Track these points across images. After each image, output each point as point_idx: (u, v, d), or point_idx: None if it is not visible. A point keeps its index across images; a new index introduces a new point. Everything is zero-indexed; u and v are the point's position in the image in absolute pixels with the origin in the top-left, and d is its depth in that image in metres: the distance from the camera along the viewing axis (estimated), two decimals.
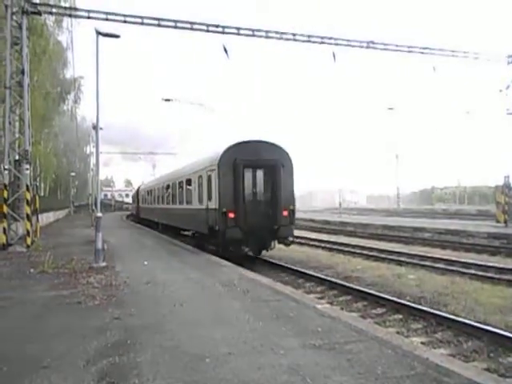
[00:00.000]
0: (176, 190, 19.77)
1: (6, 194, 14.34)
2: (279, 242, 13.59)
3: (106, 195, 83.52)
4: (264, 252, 14.16)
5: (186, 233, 18.82)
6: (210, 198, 13.84)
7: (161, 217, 24.20)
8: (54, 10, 17.28)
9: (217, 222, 13.00)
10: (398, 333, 6.54)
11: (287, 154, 13.86)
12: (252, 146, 13.43)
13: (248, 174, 13.16)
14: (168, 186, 21.91)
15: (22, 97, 15.01)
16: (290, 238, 13.64)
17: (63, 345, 4.85)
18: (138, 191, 37.15)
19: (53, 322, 5.86)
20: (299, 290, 9.80)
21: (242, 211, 12.74)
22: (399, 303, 8.20)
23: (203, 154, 17.17)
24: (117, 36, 11.75)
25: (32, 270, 10.06)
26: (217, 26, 17.00)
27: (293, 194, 13.85)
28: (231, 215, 12.73)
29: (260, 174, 13.37)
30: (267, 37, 17.66)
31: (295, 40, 17.96)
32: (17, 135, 15.48)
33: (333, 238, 20.57)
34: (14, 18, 14.77)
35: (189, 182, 17.16)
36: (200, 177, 15.20)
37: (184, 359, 4.32)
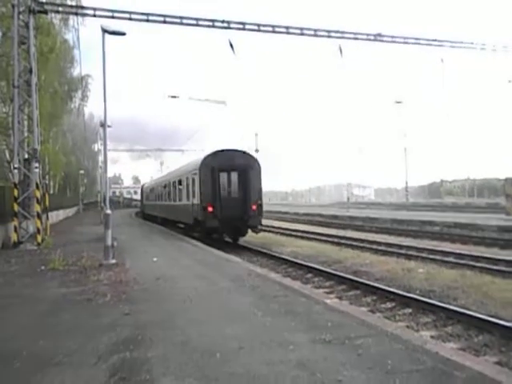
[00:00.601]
0: (170, 189, 23.37)
1: (16, 192, 14.49)
2: (251, 231, 16.75)
3: (114, 192, 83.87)
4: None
5: (181, 225, 21.75)
6: (194, 196, 17.31)
7: (160, 212, 27.62)
8: (60, 9, 17.38)
9: (199, 214, 16.43)
10: (407, 327, 6.51)
11: (255, 159, 17.35)
12: (226, 154, 16.81)
13: (223, 176, 16.33)
14: (165, 186, 25.47)
15: (30, 96, 15.11)
16: (259, 227, 16.91)
17: (74, 341, 4.91)
18: (142, 189, 40.90)
19: (64, 319, 5.92)
20: (308, 284, 9.82)
21: (218, 205, 15.86)
22: (408, 297, 8.17)
23: (190, 160, 21.27)
24: (123, 34, 11.75)
25: (43, 268, 10.16)
26: (222, 22, 16.96)
27: (260, 191, 16.86)
28: (210, 209, 15.89)
29: (233, 176, 16.46)
30: (273, 31, 17.57)
31: (302, 34, 17.86)
32: (26, 134, 15.59)
33: (341, 233, 20.52)
34: (21, 17, 14.85)
35: (180, 182, 20.53)
36: (187, 178, 18.68)
37: (194, 354, 4.35)
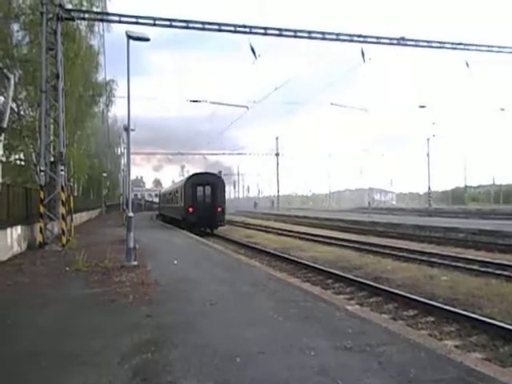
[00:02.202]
0: (172, 196, 32.00)
1: (42, 194, 14.86)
2: (218, 225, 24.71)
3: (136, 195, 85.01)
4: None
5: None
6: (182, 201, 26.08)
7: (167, 211, 36.26)
8: (86, 16, 17.76)
9: (184, 213, 24.84)
10: (430, 335, 6.39)
11: (221, 178, 27.57)
12: (202, 175, 26.48)
13: (200, 189, 24.84)
14: (170, 193, 34.82)
15: (57, 100, 15.50)
16: (223, 223, 24.86)
17: (98, 341, 5.00)
18: (159, 194, 52.22)
19: (88, 319, 6.04)
20: (328, 290, 9.74)
21: (195, 207, 24.07)
22: (431, 305, 8.02)
23: (181, 179, 35.39)
24: (147, 39, 11.93)
25: (67, 268, 10.38)
26: (244, 27, 17.08)
27: (224, 199, 25.62)
28: (190, 210, 24.20)
29: (206, 189, 24.87)
30: (295, 36, 17.60)
31: (324, 39, 17.83)
32: (52, 138, 15.99)
33: (362, 238, 20.30)
34: (49, 24, 15.27)
35: (176, 192, 29.55)
36: (179, 190, 27.90)
37: (215, 358, 4.37)
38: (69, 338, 5.16)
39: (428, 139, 54.35)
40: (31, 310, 6.65)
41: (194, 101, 33.70)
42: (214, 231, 24.87)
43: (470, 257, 13.55)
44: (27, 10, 17.59)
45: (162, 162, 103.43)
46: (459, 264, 12.39)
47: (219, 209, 24.30)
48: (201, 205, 24.20)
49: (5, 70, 16.16)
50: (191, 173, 29.45)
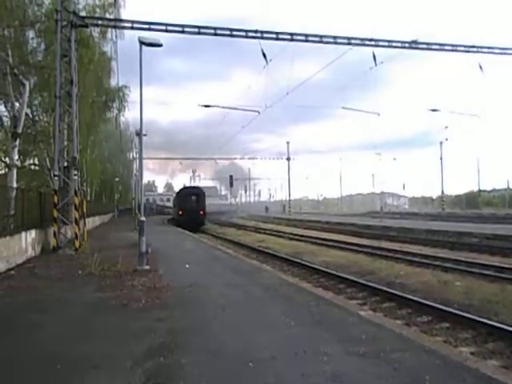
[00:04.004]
0: (175, 202, 41.97)
1: (55, 199, 15.04)
2: (200, 224, 33.54)
3: (147, 199, 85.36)
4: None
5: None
6: (176, 206, 38.57)
7: (172, 213, 48.56)
8: (99, 22, 17.98)
9: (177, 214, 36.37)
10: (445, 342, 6.29)
11: (202, 190, 37.75)
12: (189, 188, 41.07)
13: (188, 198, 34.82)
14: (169, 199, 58.99)
15: (71, 106, 15.70)
16: (204, 223, 34.98)
17: (111, 345, 5.03)
18: (168, 199, 68.24)
19: (101, 324, 6.08)
20: (340, 295, 9.67)
21: (184, 210, 33.64)
22: (446, 311, 7.90)
23: (176, 191, 54.30)
24: (159, 45, 12.03)
25: (80, 272, 10.46)
26: (255, 32, 17.14)
27: (204, 205, 35.30)
28: (180, 212, 34.17)
29: (192, 197, 34.76)
30: (306, 40, 17.61)
31: (335, 43, 17.78)
32: (65, 143, 16.18)
33: (374, 243, 20.13)
34: (64, 31, 15.49)
35: (174, 199, 45.30)
36: (175, 198, 43.11)
37: (228, 363, 4.37)
38: (82, 342, 5.19)
39: (441, 143, 53.81)
40: (45, 314, 6.71)
41: (205, 106, 33.84)
42: (200, 228, 33.02)
43: (485, 262, 13.33)
44: (42, 17, 17.85)
45: (175, 169, 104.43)
46: (474, 269, 12.19)
47: (201, 212, 34.35)
48: (188, 209, 33.88)
49: (20, 77, 16.41)
50: (182, 187, 46.38)
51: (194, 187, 41.84)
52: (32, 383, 4.09)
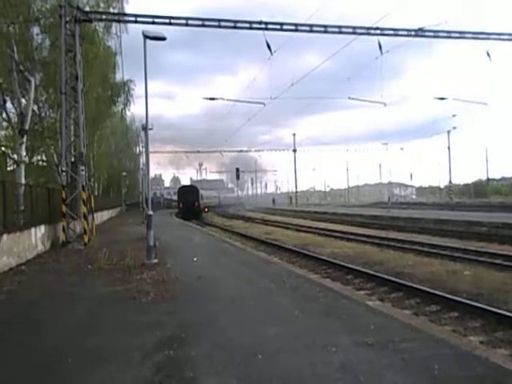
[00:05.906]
0: (179, 196, 46.89)
1: (63, 194, 15.15)
2: (197, 214, 41.74)
3: (155, 193, 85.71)
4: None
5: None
6: (177, 200, 47.41)
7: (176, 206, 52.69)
8: (103, 17, 17.94)
9: (178, 207, 45.68)
10: (454, 331, 6.28)
11: (196, 187, 48.83)
12: (187, 186, 54.15)
13: (186, 193, 44.10)
14: (175, 193, 62.89)
15: (77, 101, 15.73)
16: (200, 213, 43.03)
17: (121, 338, 5.08)
18: (175, 193, 69.67)
19: (110, 317, 6.14)
20: (348, 286, 9.67)
21: (183, 204, 42.81)
22: (455, 300, 7.87)
23: (179, 186, 59.40)
24: (163, 38, 11.99)
25: (89, 267, 10.56)
26: (259, 23, 17.02)
27: (199, 199, 43.91)
28: (181, 205, 43.76)
29: (189, 193, 43.99)
30: (311, 31, 17.44)
31: (341, 33, 17.60)
32: (72, 138, 16.25)
33: (382, 234, 20.08)
34: (68, 26, 15.48)
35: (176, 195, 55.71)
36: (177, 193, 52.07)
37: (237, 354, 4.40)
38: (92, 335, 5.26)
39: (448, 131, 53.36)
40: (56, 308, 6.81)
41: (210, 98, 33.80)
42: (197, 218, 39.89)
43: (494, 251, 13.26)
44: (47, 13, 17.84)
45: (181, 162, 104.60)
46: (482, 258, 12.13)
47: (196, 203, 42.84)
48: (187, 202, 42.15)
49: (26, 73, 16.47)
50: (180, 186, 59.51)
51: (190, 186, 55.31)
52: (44, 376, 4.15)
